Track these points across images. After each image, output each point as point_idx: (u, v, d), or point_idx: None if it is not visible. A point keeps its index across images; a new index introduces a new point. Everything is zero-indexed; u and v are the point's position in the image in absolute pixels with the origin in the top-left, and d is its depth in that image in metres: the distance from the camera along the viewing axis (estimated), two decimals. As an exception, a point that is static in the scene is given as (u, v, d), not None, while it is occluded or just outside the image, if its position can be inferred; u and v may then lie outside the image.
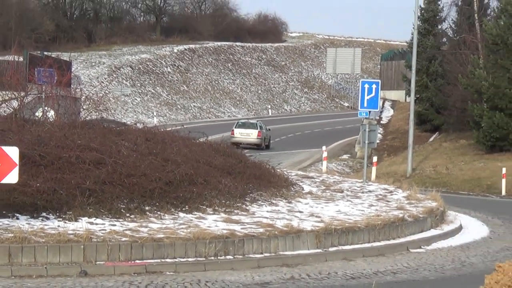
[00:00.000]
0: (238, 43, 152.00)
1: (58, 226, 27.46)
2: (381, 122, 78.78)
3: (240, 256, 27.69)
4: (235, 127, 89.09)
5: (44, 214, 28.21)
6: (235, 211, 32.08)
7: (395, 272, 27.34)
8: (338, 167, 63.39)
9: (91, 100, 44.95)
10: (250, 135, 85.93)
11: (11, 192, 26.98)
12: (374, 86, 56.38)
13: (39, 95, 43.80)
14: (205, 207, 31.78)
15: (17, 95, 41.10)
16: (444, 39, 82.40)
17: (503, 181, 55.30)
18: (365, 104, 55.78)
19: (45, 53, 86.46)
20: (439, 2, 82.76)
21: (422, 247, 32.53)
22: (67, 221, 27.97)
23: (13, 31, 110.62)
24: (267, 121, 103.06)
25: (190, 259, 26.67)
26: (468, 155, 66.76)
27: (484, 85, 66.29)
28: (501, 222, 39.93)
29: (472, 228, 37.37)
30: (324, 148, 67.35)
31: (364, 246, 30.91)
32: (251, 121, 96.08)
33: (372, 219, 33.38)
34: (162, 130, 45.60)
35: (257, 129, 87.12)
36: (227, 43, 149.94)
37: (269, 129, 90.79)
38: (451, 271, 28.08)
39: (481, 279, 9.86)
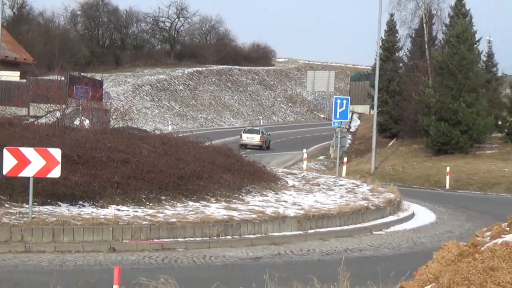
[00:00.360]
0: (236, 67, 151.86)
1: (92, 212, 27.36)
2: (350, 130, 78.41)
3: (237, 236, 27.60)
4: (243, 133, 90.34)
5: (80, 202, 28.09)
6: (233, 200, 31.96)
7: (361, 250, 27.28)
8: (316, 165, 63.16)
9: (119, 112, 44.83)
10: (254, 139, 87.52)
11: (54, 184, 26.83)
12: (344, 101, 56.20)
13: (77, 107, 43.54)
14: (209, 197, 31.67)
15: (59, 107, 40.89)
16: (401, 64, 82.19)
17: (447, 177, 55.29)
18: (338, 116, 55.61)
19: (82, 73, 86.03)
20: (397, 34, 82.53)
21: (382, 230, 32.42)
22: (99, 208, 27.88)
23: (56, 56, 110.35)
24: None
25: (197, 239, 26.57)
26: (419, 157, 66.68)
27: (432, 101, 66.39)
28: (445, 210, 39.83)
29: (422, 215, 37.27)
30: (304, 150, 67.24)
31: (336, 229, 30.81)
32: (255, 128, 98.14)
33: (343, 207, 33.28)
34: (175, 136, 45.49)
35: (259, 134, 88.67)
36: (227, 66, 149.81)
37: (269, 134, 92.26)
38: (405, 249, 28.01)
39: (430, 255, 9.69)
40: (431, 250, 19.49)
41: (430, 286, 8.16)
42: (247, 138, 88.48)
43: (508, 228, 8.83)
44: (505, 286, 7.42)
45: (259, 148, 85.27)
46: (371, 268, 20.72)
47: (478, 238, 8.98)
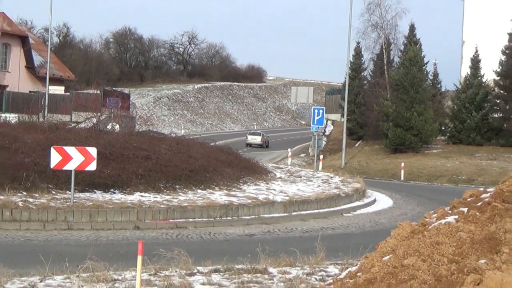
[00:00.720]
0: (235, 83, 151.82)
1: (121, 198, 27.29)
2: (325, 133, 78.29)
3: (236, 218, 27.53)
4: (248, 134, 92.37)
5: (111, 190, 28.03)
6: (233, 189, 31.88)
7: (334, 228, 27.19)
8: (298, 161, 63.07)
9: (142, 119, 44.83)
10: (257, 139, 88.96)
11: (91, 176, 26.78)
12: (321, 111, 56.12)
13: (109, 115, 43.46)
14: (213, 186, 31.60)
15: (95, 115, 40.83)
16: (365, 82, 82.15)
17: (402, 171, 55.31)
18: (315, 122, 55.55)
19: (113, 88, 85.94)
20: (362, 58, 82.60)
21: (350, 212, 32.33)
22: (126, 195, 27.82)
23: (93, 74, 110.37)
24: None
25: (204, 219, 26.52)
26: (380, 155, 66.65)
27: (390, 111, 66.41)
28: (400, 197, 39.78)
29: (382, 201, 37.20)
30: (289, 149, 67.14)
31: (314, 211, 30.74)
32: (257, 131, 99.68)
33: (319, 195, 33.21)
34: (187, 137, 45.44)
35: (261, 136, 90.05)
36: (228, 83, 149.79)
37: (268, 136, 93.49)
38: (369, 228, 27.93)
39: (388, 233, 9.67)
40: (389, 228, 19.45)
41: (388, 256, 8.13)
42: (251, 138, 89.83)
43: (450, 211, 8.81)
44: (447, 256, 7.40)
45: (260, 146, 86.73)
46: (342, 243, 20.69)
47: (427, 219, 8.96)
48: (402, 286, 7.15)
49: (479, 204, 8.56)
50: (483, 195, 8.86)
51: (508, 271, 6.73)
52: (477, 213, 8.21)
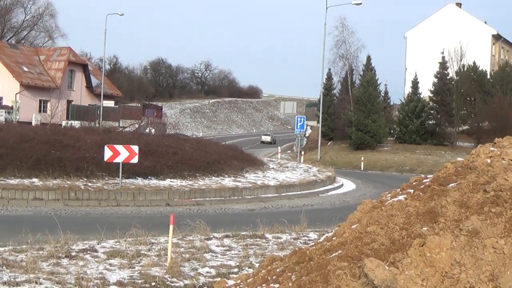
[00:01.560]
0: (239, 99, 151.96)
1: (156, 183, 27.22)
2: (306, 135, 78.23)
3: (240, 197, 27.49)
4: (262, 135, 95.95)
5: (149, 177, 27.96)
6: (238, 176, 31.82)
7: (312, 205, 27.10)
8: (286, 156, 62.99)
9: (171, 125, 44.86)
10: (268, 138, 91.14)
11: (134, 166, 26.70)
12: (302, 119, 56.22)
13: (147, 122, 43.48)
14: (224, 174, 31.53)
15: (137, 121, 40.83)
16: (335, 98, 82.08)
17: (362, 163, 55.25)
18: (298, 127, 55.62)
19: (150, 102, 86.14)
20: (332, 80, 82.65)
21: (324, 193, 32.26)
22: (160, 180, 27.75)
23: (135, 92, 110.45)
24: (254, 137, 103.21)
25: (217, 198, 26.45)
26: (346, 151, 66.59)
27: (353, 119, 66.42)
28: (361, 182, 39.74)
29: (347, 185, 37.14)
30: (279, 147, 67.28)
31: (298, 193, 30.67)
32: (268, 132, 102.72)
33: (302, 180, 33.18)
34: (204, 138, 45.35)
35: (270, 136, 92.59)
36: (234, 98, 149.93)
37: (275, 136, 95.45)
38: (338, 204, 27.87)
39: (353, 208, 9.62)
40: (354, 205, 19.34)
41: (355, 225, 8.07)
42: (264, 138, 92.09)
43: (400, 192, 8.76)
44: (399, 225, 7.34)
45: (270, 143, 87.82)
46: (319, 216, 20.62)
47: (383, 198, 8.90)
48: (366, 247, 7.09)
49: (421, 186, 8.51)
50: (425, 180, 8.81)
51: (444, 236, 6.69)
52: (421, 193, 8.16)
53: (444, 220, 7.05)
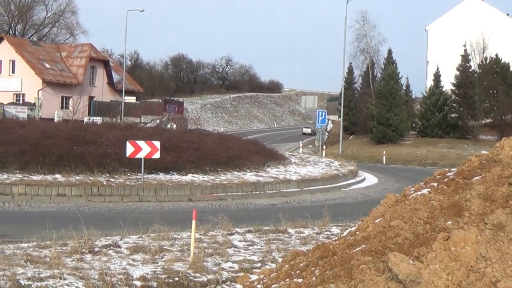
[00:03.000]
0: (260, 93, 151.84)
1: (178, 178, 27.30)
2: (327, 130, 77.96)
3: (262, 192, 27.50)
4: (303, 127, 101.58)
5: (171, 172, 28.05)
6: (260, 171, 31.83)
7: (335, 199, 27.07)
8: (307, 151, 62.85)
9: (192, 120, 44.90)
10: (309, 130, 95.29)
11: (156, 162, 26.80)
12: (323, 113, 56.08)
13: (168, 117, 43.57)
14: (246, 169, 31.55)
15: (158, 117, 40.94)
16: (356, 91, 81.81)
17: (384, 157, 55.07)
18: (320, 122, 55.51)
19: (171, 98, 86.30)
20: (353, 74, 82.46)
21: (346, 188, 32.21)
22: (182, 175, 27.83)
23: (156, 88, 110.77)
24: (275, 131, 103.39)
25: (239, 193, 26.49)
26: (367, 145, 66.36)
27: (374, 113, 66.18)
28: (383, 176, 39.59)
29: (369, 179, 37.02)
30: (300, 142, 67.20)
31: (320, 187, 30.64)
32: (309, 126, 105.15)
33: (324, 174, 33.13)
34: (226, 133, 45.37)
35: (310, 128, 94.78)
36: (255, 93, 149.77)
37: (315, 127, 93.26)
38: (360, 199, 27.81)
39: (375, 202, 9.57)
40: (376, 199, 19.23)
41: (379, 219, 8.03)
42: (305, 129, 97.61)
43: (424, 186, 8.70)
44: (423, 219, 7.29)
45: (310, 134, 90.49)
46: (341, 210, 20.54)
47: (406, 192, 8.85)
48: (390, 242, 7.06)
49: (445, 180, 8.44)
50: (448, 174, 8.75)
51: (469, 230, 6.63)
52: (445, 187, 8.09)
53: (469, 214, 6.99)
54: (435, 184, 8.48)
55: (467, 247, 6.47)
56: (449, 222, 6.99)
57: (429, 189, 8.34)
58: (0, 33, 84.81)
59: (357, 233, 8.22)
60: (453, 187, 7.90)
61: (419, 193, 8.30)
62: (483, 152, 9.22)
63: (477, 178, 7.78)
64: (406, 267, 6.26)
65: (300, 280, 7.43)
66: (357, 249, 7.35)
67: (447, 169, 9.64)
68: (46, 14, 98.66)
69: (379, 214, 8.41)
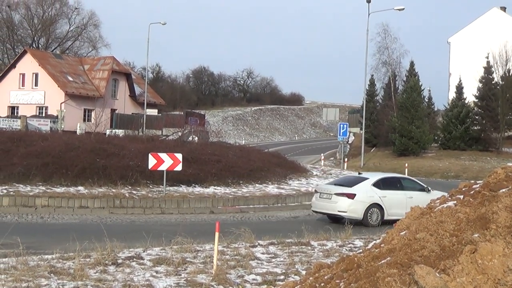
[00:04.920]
0: (281, 106, 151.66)
1: (200, 190, 27.34)
2: (348, 142, 77.67)
3: (284, 204, 27.47)
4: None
5: (193, 184, 28.10)
6: (282, 183, 31.78)
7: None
8: (329, 163, 62.65)
9: (214, 133, 44.92)
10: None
11: (178, 174, 26.85)
12: (345, 125, 56.03)
13: (190, 130, 43.64)
14: (268, 181, 31.51)
15: (180, 130, 41.05)
16: (377, 104, 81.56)
17: (406, 169, 54.76)
18: (341, 134, 55.44)
19: (193, 110, 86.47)
20: (375, 86, 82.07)
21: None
22: (204, 188, 27.86)
23: (178, 100, 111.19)
24: (298, 144, 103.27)
25: (260, 206, 26.48)
26: (389, 158, 66.02)
27: (396, 125, 65.89)
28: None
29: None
30: (322, 154, 67.03)
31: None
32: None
33: (345, 187, 33.03)
34: (247, 146, 45.36)
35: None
36: (276, 106, 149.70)
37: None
38: (383, 211, 27.57)
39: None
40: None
41: (404, 232, 7.98)
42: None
43: (450, 198, 8.63)
44: (449, 231, 7.23)
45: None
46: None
47: (432, 204, 8.79)
48: (416, 254, 7.00)
49: (471, 192, 8.37)
50: (474, 186, 8.67)
51: (496, 242, 6.57)
52: (471, 199, 8.03)
53: (496, 226, 6.92)
54: (461, 197, 8.41)
55: (494, 260, 6.41)
56: (476, 235, 6.93)
57: (455, 202, 8.27)
58: (23, 47, 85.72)
59: (382, 245, 8.16)
60: (479, 199, 7.83)
61: (445, 205, 8.23)
62: (510, 164, 9.15)
63: (503, 190, 7.70)
64: (433, 280, 6.21)
65: (325, 293, 7.38)
66: (383, 261, 7.30)
67: (471, 181, 9.57)
68: (69, 28, 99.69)
69: (404, 227, 8.35)
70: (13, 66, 72.46)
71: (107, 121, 64.40)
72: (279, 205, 27.17)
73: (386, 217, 21.60)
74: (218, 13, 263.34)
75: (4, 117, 61.71)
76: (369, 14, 60.36)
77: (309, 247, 14.70)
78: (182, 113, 76.02)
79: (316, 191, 24.05)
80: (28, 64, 70.57)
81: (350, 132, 78.82)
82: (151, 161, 25.29)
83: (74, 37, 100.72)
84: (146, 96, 72.28)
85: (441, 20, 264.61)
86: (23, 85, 71.21)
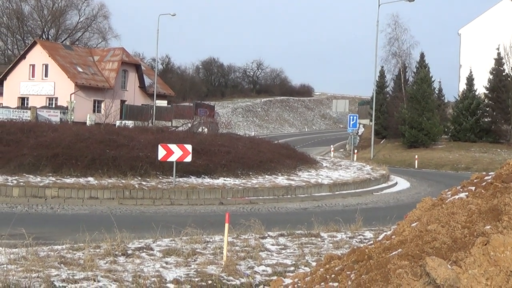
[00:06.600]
0: (291, 97, 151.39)
1: (209, 181, 27.33)
2: (358, 134, 77.58)
3: (294, 196, 27.42)
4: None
5: (202, 175, 28.10)
6: (291, 175, 31.75)
7: (367, 204, 26.92)
8: (338, 155, 62.59)
9: (224, 124, 44.92)
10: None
11: (187, 165, 26.89)
12: (355, 117, 55.78)
13: (200, 121, 43.67)
14: (277, 172, 31.48)
15: (190, 121, 41.04)
16: (387, 95, 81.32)
17: (416, 161, 54.67)
18: (351, 125, 55.24)
19: (202, 101, 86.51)
20: (385, 78, 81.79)
21: (378, 192, 31.99)
22: (213, 179, 27.85)
23: (187, 91, 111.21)
24: (307, 135, 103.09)
25: (270, 197, 26.46)
26: (399, 149, 65.87)
27: (406, 117, 65.72)
28: (416, 180, 39.23)
29: (401, 183, 36.72)
30: (331, 146, 66.95)
31: (352, 191, 30.48)
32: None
33: (355, 179, 32.94)
34: (257, 137, 45.35)
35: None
36: (286, 97, 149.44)
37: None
38: (393, 203, 27.56)
39: (408, 207, 9.50)
40: (408, 204, 19.01)
41: (415, 223, 7.93)
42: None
43: (461, 189, 8.58)
44: (461, 223, 7.19)
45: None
46: (373, 215, 20.43)
47: (443, 195, 8.73)
48: (427, 246, 6.96)
49: (483, 184, 8.31)
50: (486, 177, 8.62)
51: (508, 234, 6.52)
52: (483, 191, 7.97)
53: (508, 218, 6.87)
54: (473, 188, 8.35)
55: (507, 251, 6.36)
56: (488, 227, 6.88)
57: (466, 193, 8.22)
58: (33, 38, 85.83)
59: (393, 237, 8.12)
60: (491, 191, 7.78)
61: (457, 197, 8.18)
62: (522, 155, 9.09)
63: (516, 181, 7.65)
64: (444, 272, 6.16)
65: (335, 284, 7.35)
66: (394, 253, 7.26)
67: (483, 173, 9.51)
68: (79, 19, 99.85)
69: (416, 218, 8.30)
70: (23, 57, 72.56)
71: (117, 112, 64.51)
72: (288, 196, 27.15)
73: None
74: (228, 3, 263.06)
75: (14, 108, 61.92)
76: (379, 5, 60.15)
77: (319, 239, 14.67)
78: (192, 104, 76.09)
79: None
80: (38, 55, 70.67)
81: (359, 123, 78.71)
82: (161, 152, 25.29)
83: (84, 28, 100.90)
84: (155, 87, 72.32)
85: (452, 11, 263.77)
86: (33, 76, 71.32)
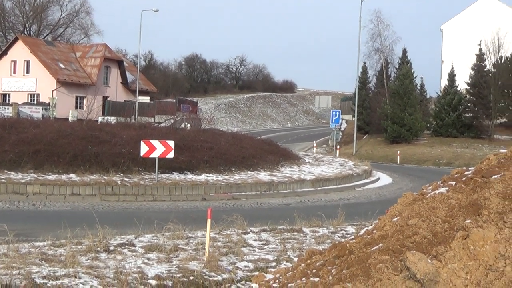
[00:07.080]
0: (274, 93, 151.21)
1: (192, 177, 27.28)
2: (341, 129, 77.58)
3: (276, 192, 27.42)
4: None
5: (185, 172, 28.05)
6: (274, 171, 31.74)
7: (349, 199, 26.98)
8: (321, 150, 62.66)
9: (206, 120, 44.86)
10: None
11: (170, 161, 26.82)
12: (337, 113, 55.95)
13: (182, 117, 43.58)
14: (260, 168, 31.47)
15: (172, 117, 40.92)
16: (370, 91, 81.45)
17: (398, 157, 54.85)
18: (334, 121, 55.39)
19: (185, 98, 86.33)
20: (367, 74, 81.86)
21: (360, 187, 32.08)
22: (196, 175, 27.81)
23: (170, 87, 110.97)
24: (290, 131, 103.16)
25: (253, 193, 26.45)
26: (381, 145, 66.04)
27: (389, 112, 65.88)
28: (397, 176, 39.35)
29: (384, 179, 36.82)
30: (314, 141, 67.04)
31: (334, 187, 30.52)
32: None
33: (338, 174, 33.00)
34: (240, 133, 45.31)
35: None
36: (268, 93, 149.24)
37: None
38: (375, 198, 27.65)
39: (390, 202, 9.51)
40: (390, 199, 19.06)
41: (396, 218, 7.96)
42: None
43: (442, 184, 8.62)
44: (441, 217, 7.22)
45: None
46: (355, 210, 20.48)
47: (424, 190, 8.78)
48: (408, 240, 6.99)
49: (463, 179, 8.36)
50: (466, 172, 8.67)
51: (488, 228, 6.56)
52: (463, 185, 8.02)
53: (488, 212, 6.92)
54: (453, 183, 8.40)
55: (486, 246, 6.40)
56: (468, 221, 6.92)
57: (447, 188, 8.26)
58: (15, 34, 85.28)
59: (374, 231, 8.15)
60: (471, 185, 7.82)
61: (437, 191, 8.22)
62: (501, 150, 9.13)
63: (495, 176, 7.70)
64: (424, 266, 6.20)
65: (316, 279, 7.37)
66: (375, 248, 7.29)
67: (464, 168, 9.55)
68: (61, 15, 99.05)
69: (397, 213, 8.33)
70: (4, 53, 72.10)
71: (99, 108, 64.19)
72: (271, 192, 27.16)
73: None
74: (210, 0, 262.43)
75: (-4, 105, 61.47)
76: (362, 1, 60.28)
77: (301, 234, 14.70)
78: (174, 100, 75.88)
79: None
80: (19, 51, 70.23)
81: (342, 119, 78.80)
82: (143, 148, 25.23)
83: (66, 24, 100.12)
84: (138, 83, 72.04)
85: (434, 7, 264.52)
86: (14, 72, 70.90)
